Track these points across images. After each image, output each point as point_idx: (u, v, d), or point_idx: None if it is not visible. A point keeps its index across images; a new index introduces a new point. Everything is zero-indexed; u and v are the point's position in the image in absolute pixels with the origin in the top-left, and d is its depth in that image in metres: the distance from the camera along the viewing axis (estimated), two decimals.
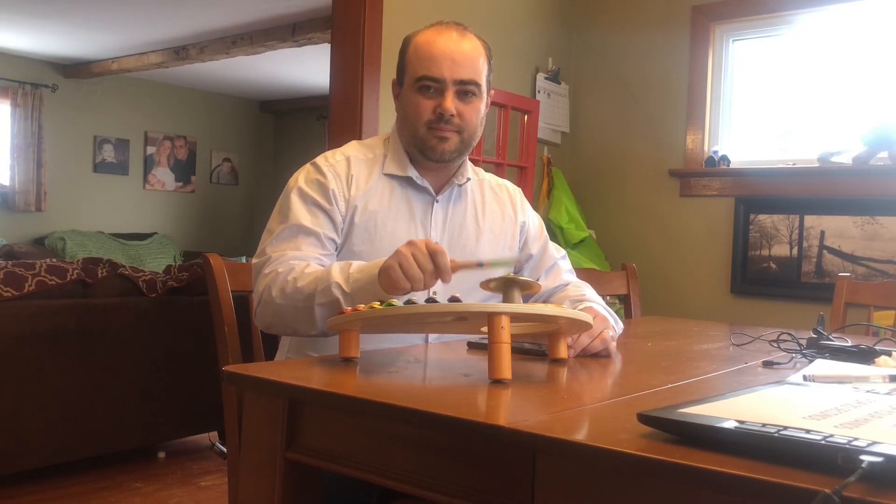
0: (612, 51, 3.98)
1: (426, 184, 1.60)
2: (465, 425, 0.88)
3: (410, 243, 1.29)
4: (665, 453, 0.74)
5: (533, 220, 1.77)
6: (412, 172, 1.59)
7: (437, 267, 1.27)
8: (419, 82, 1.53)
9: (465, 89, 1.53)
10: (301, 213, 1.51)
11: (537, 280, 1.69)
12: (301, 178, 1.57)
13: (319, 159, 1.60)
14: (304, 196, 1.53)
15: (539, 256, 1.74)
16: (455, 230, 1.63)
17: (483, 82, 1.56)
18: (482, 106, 1.59)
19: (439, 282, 1.30)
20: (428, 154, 1.56)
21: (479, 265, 1.33)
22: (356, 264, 1.38)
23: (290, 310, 1.40)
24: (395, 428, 0.98)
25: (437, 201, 1.61)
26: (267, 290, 1.43)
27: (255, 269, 1.50)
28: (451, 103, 1.52)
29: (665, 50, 3.81)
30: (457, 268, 1.30)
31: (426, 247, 1.28)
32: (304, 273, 1.41)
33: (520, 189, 1.81)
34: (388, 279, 1.28)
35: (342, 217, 1.54)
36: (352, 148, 1.63)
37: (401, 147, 1.61)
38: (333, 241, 1.53)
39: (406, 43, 1.59)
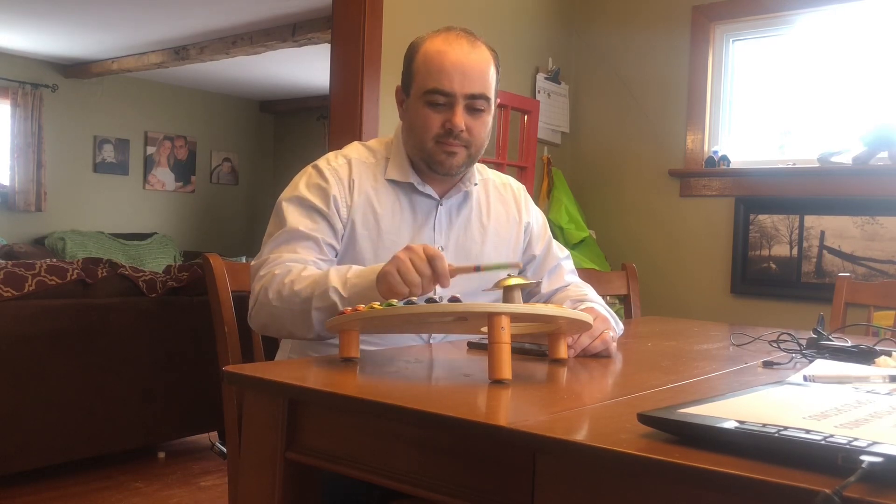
0: (612, 51, 3.98)
1: (429, 189, 1.58)
2: (465, 425, 0.88)
3: (408, 248, 1.28)
4: (665, 453, 0.74)
5: (537, 220, 1.75)
6: (413, 178, 1.56)
7: (435, 272, 1.26)
8: (428, 95, 1.49)
9: (475, 104, 1.50)
10: (300, 217, 1.49)
11: (539, 281, 1.69)
12: (302, 181, 1.54)
13: (321, 162, 1.57)
14: (303, 200, 1.51)
15: (542, 257, 1.73)
16: (460, 234, 1.61)
17: (492, 94, 1.53)
18: (490, 118, 1.56)
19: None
20: (435, 168, 1.53)
21: (477, 269, 1.31)
22: (354, 269, 1.37)
23: (286, 312, 1.39)
24: (395, 428, 0.98)
25: (440, 205, 1.59)
26: (263, 292, 1.41)
27: (252, 270, 1.49)
28: (460, 119, 1.48)
29: (665, 50, 3.81)
30: (455, 272, 1.29)
31: (424, 251, 1.27)
32: (301, 276, 1.39)
33: (524, 187, 1.79)
34: (386, 284, 1.27)
35: (342, 223, 1.52)
36: (354, 150, 1.61)
37: (403, 153, 1.58)
38: (332, 246, 1.51)
39: (413, 50, 1.54)
